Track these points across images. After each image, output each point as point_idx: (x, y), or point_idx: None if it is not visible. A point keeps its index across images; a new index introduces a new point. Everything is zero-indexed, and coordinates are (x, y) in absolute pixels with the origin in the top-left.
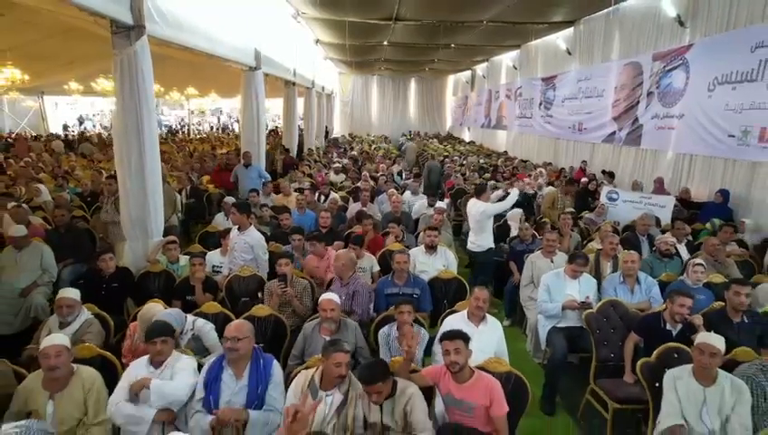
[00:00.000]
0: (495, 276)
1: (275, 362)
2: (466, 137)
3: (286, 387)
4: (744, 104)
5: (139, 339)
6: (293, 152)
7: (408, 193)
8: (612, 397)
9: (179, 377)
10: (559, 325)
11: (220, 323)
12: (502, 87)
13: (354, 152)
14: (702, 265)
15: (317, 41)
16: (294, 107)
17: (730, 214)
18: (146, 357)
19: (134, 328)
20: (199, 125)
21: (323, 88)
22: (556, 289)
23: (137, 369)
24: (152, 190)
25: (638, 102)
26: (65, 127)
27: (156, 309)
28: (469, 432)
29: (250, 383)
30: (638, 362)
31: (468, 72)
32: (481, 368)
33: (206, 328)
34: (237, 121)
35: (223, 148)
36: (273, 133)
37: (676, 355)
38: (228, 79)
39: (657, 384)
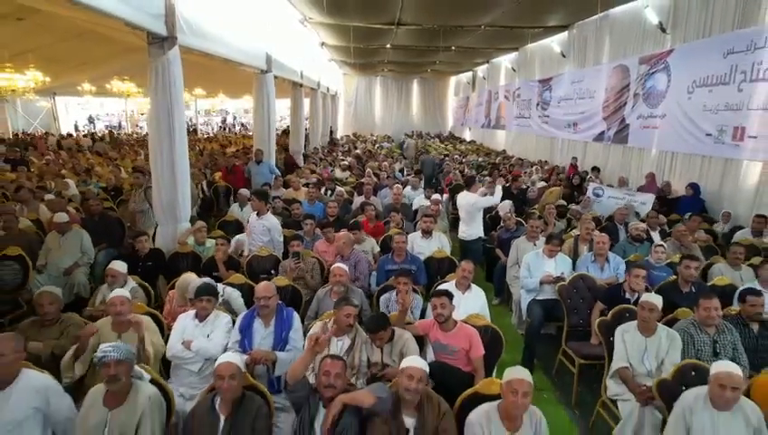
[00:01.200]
0: (487, 261)
1: (295, 312)
2: (467, 137)
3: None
4: (719, 105)
5: (176, 304)
6: (300, 151)
7: (408, 188)
8: (579, 355)
9: (215, 334)
10: (537, 298)
11: (245, 291)
12: (501, 88)
13: (358, 151)
14: (663, 246)
15: (322, 44)
16: (301, 108)
17: (703, 205)
18: (192, 312)
19: (172, 295)
20: (206, 125)
21: (328, 89)
22: (535, 266)
23: (185, 320)
24: (181, 181)
25: (626, 103)
26: (76, 127)
27: (191, 278)
28: (452, 369)
29: (276, 330)
30: (597, 321)
31: (469, 74)
32: (464, 322)
33: (234, 295)
34: (242, 123)
35: (231, 147)
36: (284, 134)
37: (627, 314)
38: (235, 80)
39: (611, 339)
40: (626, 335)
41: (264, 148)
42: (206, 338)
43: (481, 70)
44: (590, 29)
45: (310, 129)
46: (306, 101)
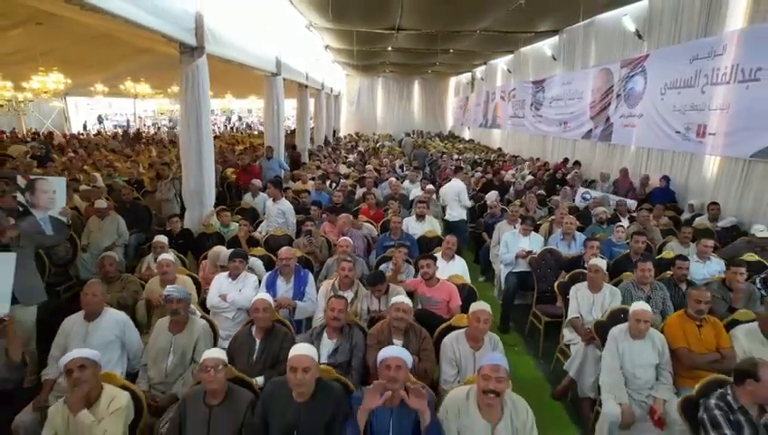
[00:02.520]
0: (475, 245)
1: (309, 272)
2: (467, 136)
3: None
4: (686, 106)
5: (208, 270)
6: (305, 149)
7: (407, 182)
8: (545, 314)
9: (245, 289)
10: (513, 270)
11: (264, 262)
12: (497, 89)
13: (360, 148)
14: (622, 226)
15: (326, 47)
16: (307, 108)
17: (673, 195)
18: (226, 272)
19: (204, 264)
20: (213, 124)
21: (332, 89)
22: (512, 244)
23: (221, 279)
24: (207, 170)
25: (610, 104)
26: (84, 126)
27: (221, 249)
28: (434, 315)
29: (295, 285)
30: (556, 283)
31: (468, 75)
32: (446, 281)
33: (257, 263)
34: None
35: (239, 145)
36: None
37: (581, 277)
38: (242, 82)
39: (567, 296)
40: (578, 293)
41: (274, 145)
42: (238, 292)
43: (479, 71)
44: (577, 34)
45: (314, 127)
46: (311, 102)
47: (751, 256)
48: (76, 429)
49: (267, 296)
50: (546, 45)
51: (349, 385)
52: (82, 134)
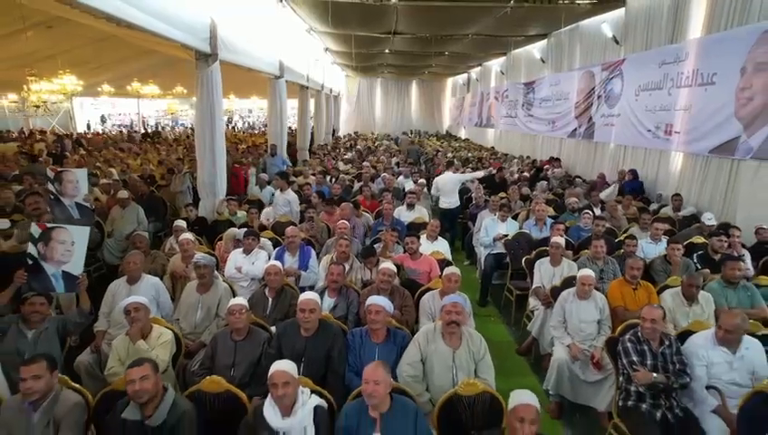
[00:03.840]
0: (462, 233)
1: (312, 248)
2: (463, 135)
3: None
4: (656, 106)
5: (224, 249)
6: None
7: (401, 177)
8: (517, 288)
9: (257, 263)
10: (491, 252)
11: (273, 244)
12: (491, 90)
13: (359, 147)
14: (588, 213)
15: (326, 49)
16: (307, 108)
17: (641, 186)
18: (240, 249)
19: (220, 245)
20: None
21: (331, 90)
22: (491, 229)
23: (236, 255)
24: (219, 164)
25: (593, 104)
26: (88, 126)
27: (236, 230)
28: (417, 283)
29: (299, 259)
30: (524, 258)
31: (465, 76)
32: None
33: (267, 242)
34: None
35: (242, 144)
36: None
37: (546, 253)
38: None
39: (532, 270)
40: (541, 267)
41: (277, 143)
42: (251, 264)
43: (474, 72)
44: (564, 38)
45: (315, 127)
46: (311, 102)
47: (698, 239)
48: (135, 354)
49: (278, 263)
50: (536, 48)
51: (344, 328)
52: (88, 134)
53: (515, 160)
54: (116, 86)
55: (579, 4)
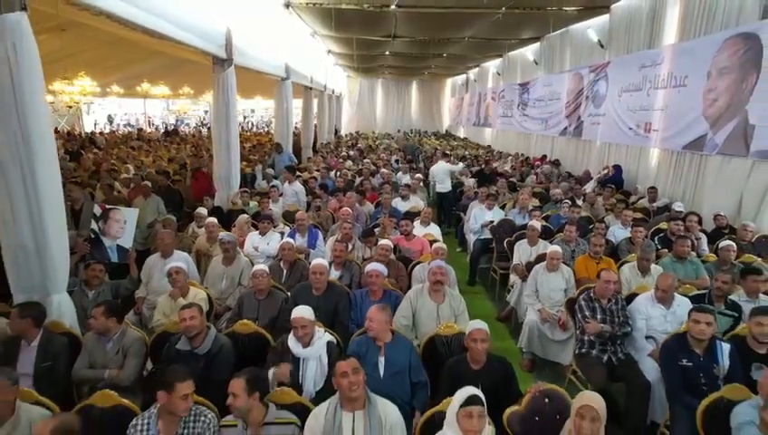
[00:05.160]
0: (455, 223)
1: (319, 231)
2: (462, 134)
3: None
4: (637, 106)
5: (239, 234)
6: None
7: (400, 173)
8: (500, 268)
9: (271, 243)
10: (479, 238)
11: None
12: (489, 90)
13: (360, 145)
14: (567, 202)
15: (329, 51)
16: (311, 108)
17: (622, 181)
18: (257, 232)
19: (234, 230)
20: None
21: (333, 90)
22: (479, 216)
23: (253, 236)
24: (234, 159)
25: (581, 104)
26: (95, 125)
27: (245, 216)
28: (409, 259)
29: (308, 238)
30: (506, 240)
31: (463, 76)
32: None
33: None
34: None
35: (247, 143)
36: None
37: (524, 237)
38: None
39: (512, 251)
40: (520, 247)
41: (283, 141)
42: (266, 244)
43: (472, 73)
44: (555, 41)
45: (318, 126)
46: (314, 102)
47: (663, 225)
48: (176, 309)
49: (291, 240)
50: (529, 51)
51: (347, 290)
52: (102, 133)
53: (510, 158)
54: (125, 86)
55: (566, 10)
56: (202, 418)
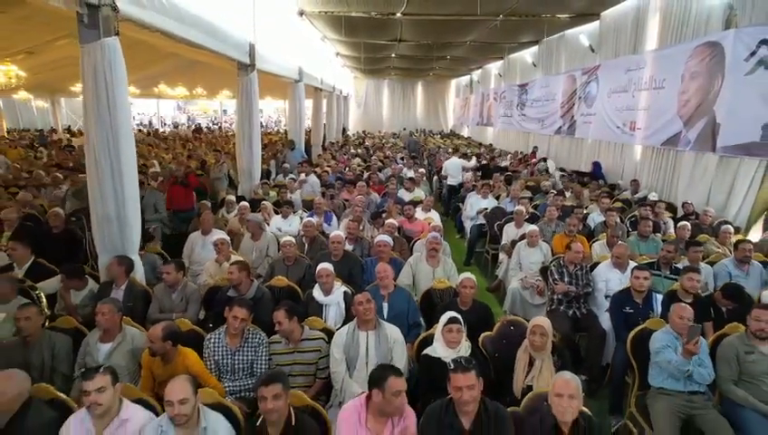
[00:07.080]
0: (455, 212)
1: (333, 214)
2: (466, 133)
3: None
4: (623, 106)
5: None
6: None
7: (404, 169)
8: (492, 249)
9: (293, 224)
10: (475, 223)
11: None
12: (491, 91)
13: (367, 144)
14: (553, 192)
15: (337, 53)
16: (321, 108)
17: (601, 176)
18: (280, 216)
19: (261, 213)
20: (225, 123)
21: (341, 91)
22: (475, 204)
23: (277, 219)
24: (255, 155)
25: (575, 104)
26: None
27: (267, 203)
28: (411, 238)
29: (324, 220)
30: (496, 224)
31: (467, 77)
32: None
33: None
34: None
35: None
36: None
37: (512, 220)
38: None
39: (502, 233)
40: (508, 229)
41: (295, 139)
42: (288, 225)
43: (476, 74)
44: (552, 45)
45: (326, 125)
46: (324, 102)
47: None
48: (221, 272)
49: (311, 219)
50: (528, 53)
51: (360, 259)
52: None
53: (509, 155)
54: (141, 87)
55: (558, 17)
56: (257, 336)
